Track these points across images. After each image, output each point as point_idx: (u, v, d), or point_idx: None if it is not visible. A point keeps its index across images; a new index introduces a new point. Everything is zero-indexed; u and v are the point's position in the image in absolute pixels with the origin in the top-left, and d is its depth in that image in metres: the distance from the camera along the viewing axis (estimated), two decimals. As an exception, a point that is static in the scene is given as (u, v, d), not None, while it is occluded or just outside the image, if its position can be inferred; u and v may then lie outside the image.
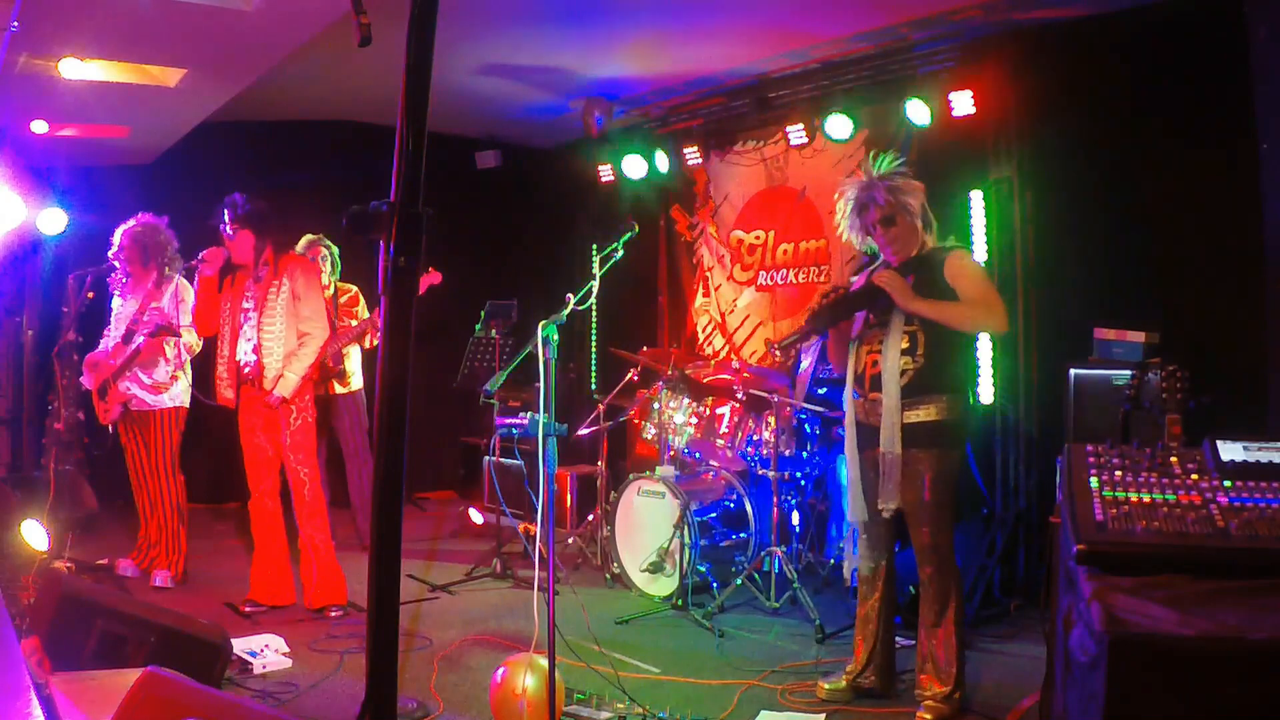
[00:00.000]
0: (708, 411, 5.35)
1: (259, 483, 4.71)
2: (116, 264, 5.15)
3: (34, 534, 4.66)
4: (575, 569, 5.69)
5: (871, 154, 3.70)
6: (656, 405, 5.41)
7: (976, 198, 5.25)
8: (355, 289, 6.21)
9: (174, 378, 5.14)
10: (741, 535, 5.17)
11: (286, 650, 4.01)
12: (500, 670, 3.28)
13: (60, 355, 5.29)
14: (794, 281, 6.56)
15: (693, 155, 6.85)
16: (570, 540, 5.92)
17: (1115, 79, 4.84)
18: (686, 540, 4.81)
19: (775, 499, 4.82)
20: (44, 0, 4.03)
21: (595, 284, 3.40)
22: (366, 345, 6.14)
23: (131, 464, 5.19)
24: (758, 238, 6.83)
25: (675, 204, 7.41)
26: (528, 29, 5.62)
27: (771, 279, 6.72)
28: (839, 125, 5.88)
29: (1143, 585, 1.70)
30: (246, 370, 4.64)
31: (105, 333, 5.27)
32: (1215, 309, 4.47)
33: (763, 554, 4.88)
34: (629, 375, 5.82)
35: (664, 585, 4.99)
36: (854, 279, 3.78)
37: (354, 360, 6.16)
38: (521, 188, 8.21)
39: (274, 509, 4.75)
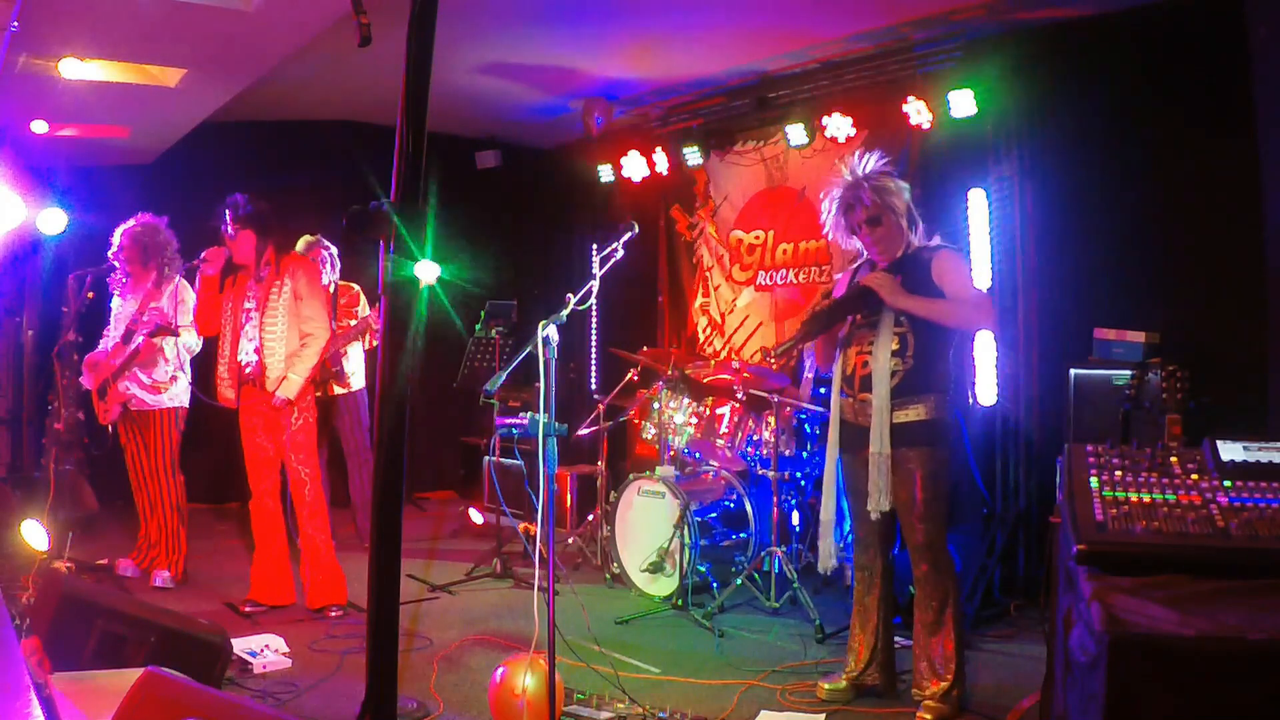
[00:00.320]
0: (708, 411, 5.35)
1: (259, 482, 4.71)
2: (116, 264, 5.15)
3: (34, 534, 4.66)
4: (575, 569, 5.69)
5: (856, 154, 3.70)
6: (656, 405, 5.41)
7: (976, 198, 5.25)
8: (357, 288, 6.20)
9: (174, 378, 5.14)
10: (741, 535, 5.17)
11: (286, 650, 4.01)
12: (500, 670, 3.28)
13: (60, 355, 5.29)
14: (794, 282, 6.56)
15: (693, 155, 6.85)
16: (570, 540, 5.92)
17: (1115, 79, 4.84)
18: (686, 540, 4.81)
19: (775, 499, 4.82)
20: (44, 0, 4.03)
21: (595, 284, 3.40)
22: (366, 345, 6.13)
23: (131, 464, 5.19)
24: (757, 238, 6.83)
25: (675, 204, 7.41)
26: (528, 29, 5.62)
27: (771, 279, 6.72)
28: (839, 125, 5.88)
29: (1143, 585, 1.70)
30: (248, 370, 4.64)
31: (105, 333, 5.27)
32: (1215, 309, 4.47)
33: (763, 554, 4.88)
34: (629, 375, 5.82)
35: (664, 585, 4.99)
36: (838, 276, 3.82)
37: (354, 360, 6.15)
38: (521, 188, 8.21)
39: (274, 509, 4.75)
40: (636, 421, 5.80)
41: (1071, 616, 1.82)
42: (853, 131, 5.90)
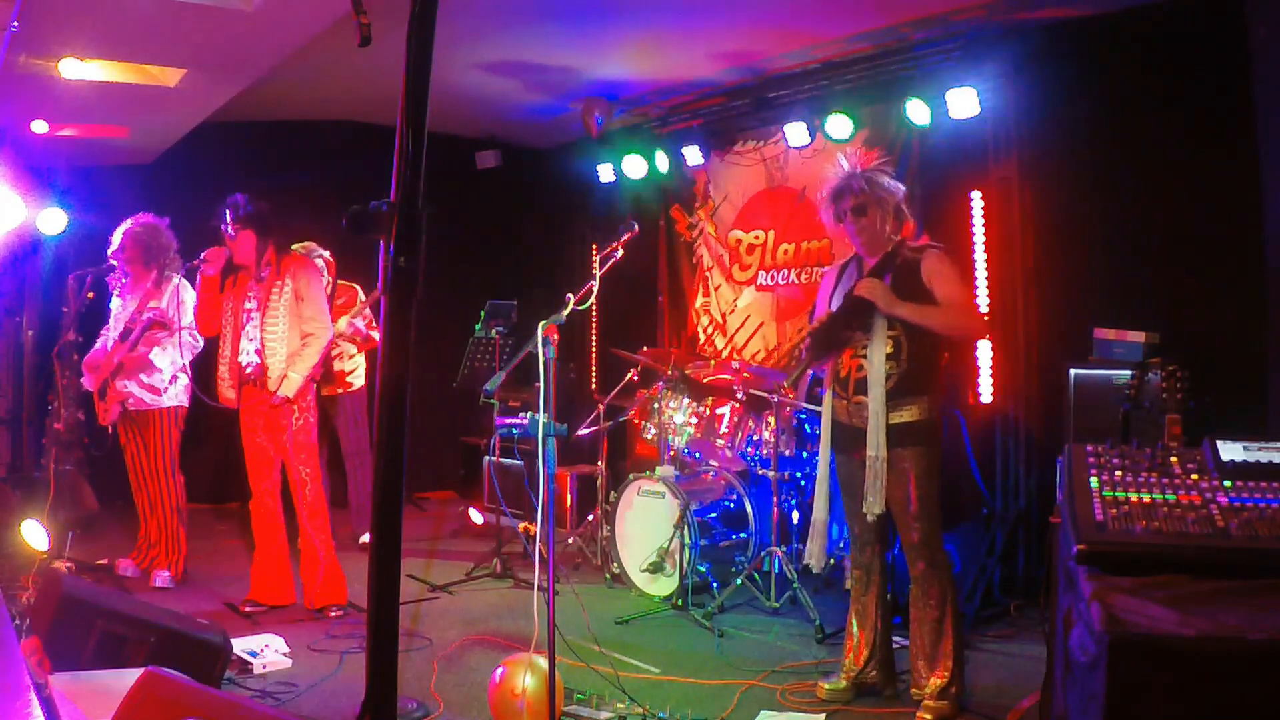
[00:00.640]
0: (708, 411, 5.35)
1: (260, 482, 4.71)
2: (116, 264, 5.14)
3: (34, 534, 4.66)
4: (575, 569, 5.69)
5: (858, 150, 3.72)
6: (656, 405, 5.41)
7: (976, 198, 5.25)
8: (357, 287, 6.18)
9: (173, 377, 5.14)
10: (741, 535, 5.17)
11: (286, 650, 4.01)
12: (500, 670, 3.28)
13: (60, 355, 5.29)
14: (795, 282, 6.56)
15: (693, 155, 6.85)
16: (570, 540, 5.92)
17: (1115, 79, 4.84)
18: (686, 540, 4.81)
19: (775, 499, 4.82)
20: (44, 0, 4.03)
21: (595, 284, 3.40)
22: (356, 339, 6.08)
23: (131, 464, 5.19)
24: (757, 238, 6.82)
25: (675, 204, 7.41)
26: (528, 29, 5.62)
27: (772, 279, 6.72)
28: (839, 125, 5.88)
29: (1143, 585, 1.70)
30: (249, 370, 4.64)
31: (102, 332, 5.27)
32: (1215, 309, 4.47)
33: (763, 554, 4.88)
34: (629, 375, 5.82)
35: (664, 585, 4.99)
36: (825, 270, 3.84)
37: (352, 360, 6.14)
38: (521, 188, 8.21)
39: (274, 509, 4.75)
40: (636, 421, 5.80)
41: (1071, 616, 1.82)
42: (853, 131, 5.90)
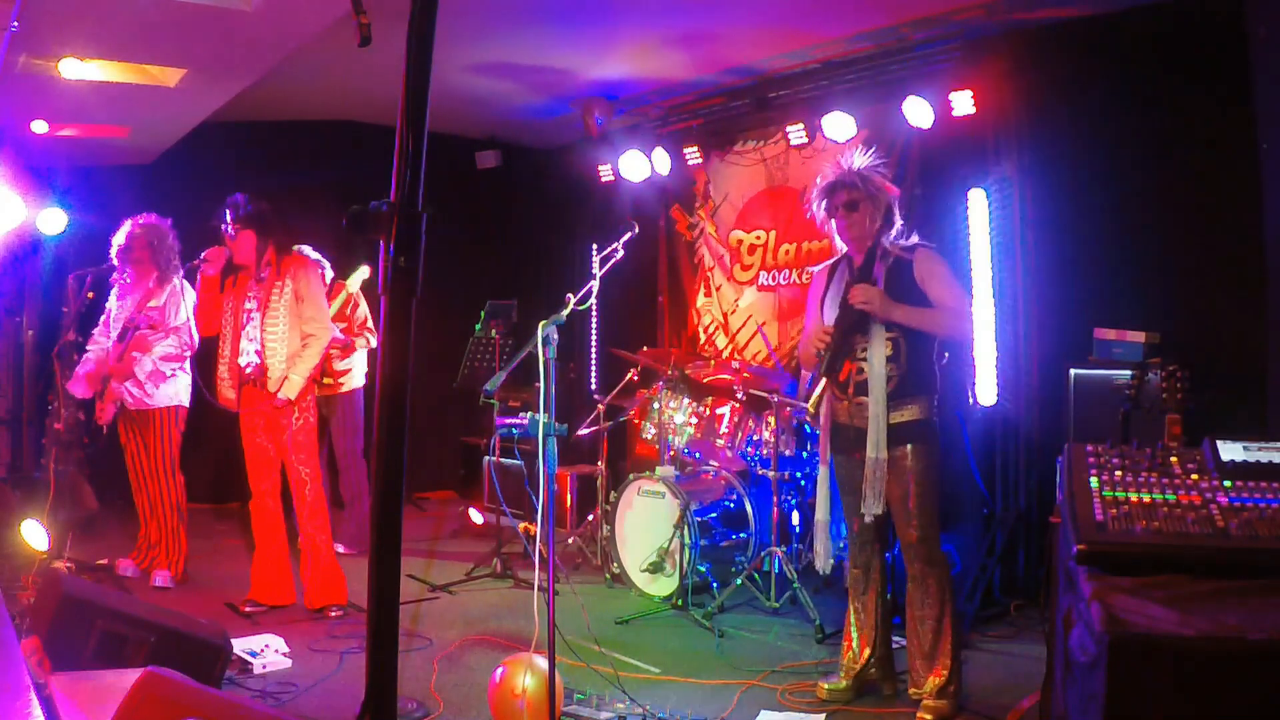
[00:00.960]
0: (708, 411, 5.35)
1: (260, 482, 4.71)
2: (116, 263, 5.14)
3: (34, 534, 4.65)
4: (575, 569, 5.69)
5: (858, 149, 3.72)
6: (656, 405, 5.41)
7: (976, 198, 5.24)
8: (354, 289, 6.16)
9: (172, 375, 5.14)
10: (741, 535, 5.17)
11: (286, 650, 4.01)
12: (500, 670, 3.28)
13: (60, 355, 5.29)
14: (797, 282, 6.56)
15: (693, 155, 6.85)
16: (570, 540, 5.92)
17: (1115, 79, 4.84)
18: (686, 540, 4.81)
19: (775, 499, 4.82)
20: (44, 0, 4.03)
21: (595, 284, 3.40)
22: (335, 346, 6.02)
23: (131, 464, 5.19)
24: (758, 238, 6.82)
25: (675, 204, 7.41)
26: (528, 29, 5.62)
27: (774, 279, 6.72)
28: (839, 125, 5.88)
29: (1143, 585, 1.70)
30: (249, 370, 4.63)
31: (95, 332, 5.26)
32: (1215, 309, 4.47)
33: (763, 554, 4.88)
34: (629, 375, 5.82)
35: (664, 585, 4.99)
36: (814, 270, 3.87)
37: (350, 360, 6.10)
38: (521, 188, 8.21)
39: (274, 509, 4.74)
40: (636, 421, 5.80)
41: (1071, 616, 1.82)
42: (853, 131, 5.89)
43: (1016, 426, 5.19)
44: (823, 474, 3.70)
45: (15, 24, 4.04)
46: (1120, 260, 4.79)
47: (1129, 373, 3.87)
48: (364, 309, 6.17)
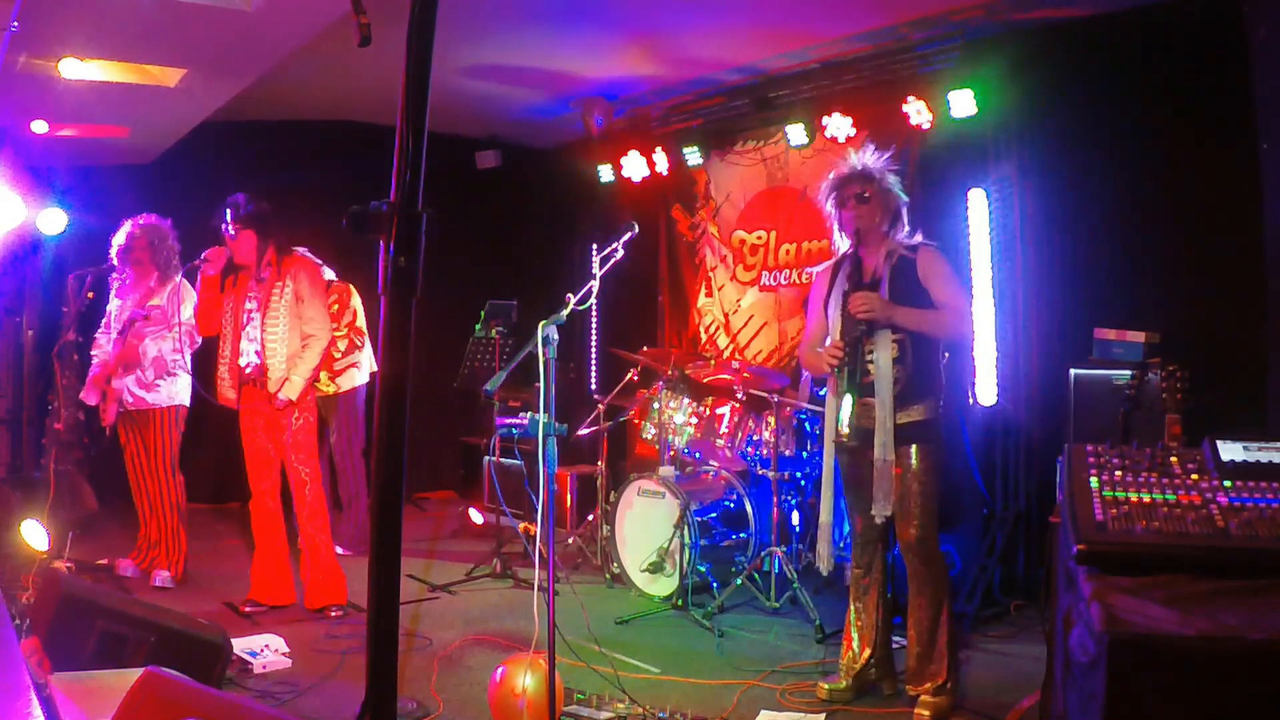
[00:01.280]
0: (708, 411, 5.35)
1: (260, 482, 4.71)
2: (117, 262, 5.14)
3: (34, 534, 4.66)
4: (575, 569, 5.69)
5: (869, 147, 3.71)
6: (656, 405, 5.41)
7: (976, 198, 5.25)
8: (350, 287, 6.12)
9: (172, 374, 5.14)
10: (741, 535, 5.17)
11: (286, 650, 4.01)
12: (500, 670, 3.28)
13: (60, 355, 5.29)
14: (797, 282, 6.56)
15: (693, 155, 6.85)
16: (570, 540, 5.92)
17: (1115, 79, 4.84)
18: (686, 540, 4.81)
19: (775, 499, 4.82)
20: (44, 0, 4.03)
21: (595, 284, 3.40)
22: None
23: (131, 464, 5.19)
24: (760, 238, 6.82)
25: (676, 204, 7.41)
26: (528, 29, 5.62)
27: (775, 279, 6.72)
28: (839, 125, 5.88)
29: (1143, 585, 1.70)
30: (248, 370, 4.63)
31: (97, 334, 5.26)
32: (1215, 309, 4.47)
33: (763, 554, 4.88)
34: (629, 375, 5.82)
35: (664, 585, 4.99)
36: (816, 270, 3.88)
37: (342, 361, 6.08)
38: (521, 188, 8.21)
39: (274, 509, 4.74)
40: (636, 421, 5.80)
41: (1071, 616, 1.82)
42: (853, 131, 5.89)
43: (1016, 426, 5.19)
44: (827, 474, 3.69)
45: (15, 24, 4.04)
46: (1120, 260, 4.79)
47: (1129, 373, 3.88)
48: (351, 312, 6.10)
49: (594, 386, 7.84)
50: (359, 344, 6.07)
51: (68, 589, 3.27)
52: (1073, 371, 4.39)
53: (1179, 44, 4.60)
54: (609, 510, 5.32)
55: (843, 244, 3.68)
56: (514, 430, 5.80)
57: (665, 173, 7.03)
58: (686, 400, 5.35)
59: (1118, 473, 1.99)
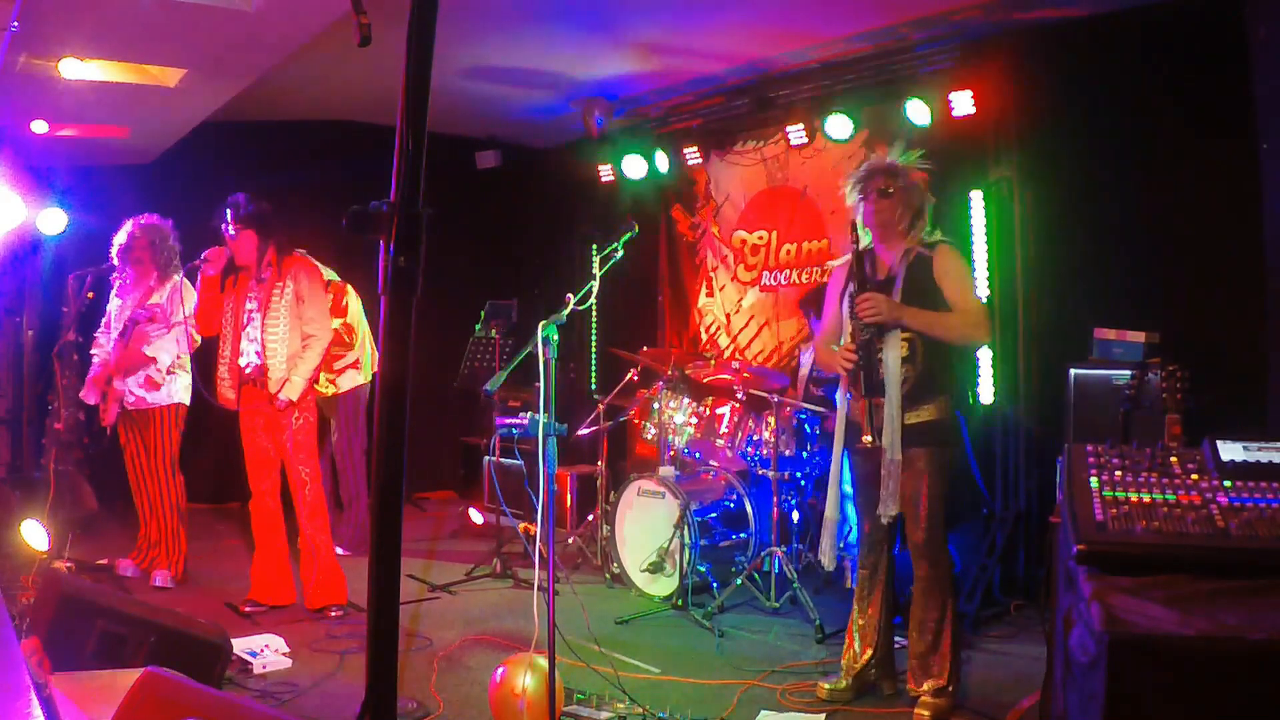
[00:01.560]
0: (708, 411, 5.35)
1: (260, 482, 4.71)
2: (117, 262, 5.14)
3: (34, 534, 4.66)
4: (575, 569, 5.69)
5: (903, 146, 3.68)
6: (656, 405, 5.41)
7: (976, 198, 5.25)
8: (345, 287, 6.10)
9: (172, 373, 5.14)
10: (741, 535, 5.17)
11: (286, 650, 4.01)
12: (500, 670, 3.28)
13: (60, 355, 5.29)
14: (797, 282, 6.56)
15: (693, 155, 6.85)
16: (570, 540, 5.92)
17: (1115, 79, 4.83)
18: (686, 540, 4.81)
19: (775, 499, 4.82)
20: (44, 0, 4.03)
21: (595, 284, 3.40)
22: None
23: (131, 464, 5.19)
24: (760, 238, 6.83)
25: (676, 204, 7.41)
26: (528, 29, 5.62)
27: (775, 279, 6.72)
28: (839, 125, 5.88)
29: (1143, 585, 1.70)
30: (249, 370, 4.63)
31: (97, 334, 5.26)
32: (1215, 309, 4.47)
33: (763, 554, 4.88)
34: (629, 375, 5.82)
35: (664, 585, 4.99)
36: (834, 264, 3.83)
37: (340, 361, 6.07)
38: (521, 188, 8.21)
39: (274, 509, 4.74)
40: (636, 421, 5.80)
41: (1071, 616, 1.82)
42: (853, 131, 5.90)
43: (1016, 426, 5.19)
44: (834, 472, 3.67)
45: (15, 24, 4.04)
46: (1120, 260, 4.79)
47: (1129, 373, 3.88)
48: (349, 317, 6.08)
49: (594, 386, 7.84)
50: (349, 342, 6.04)
51: (68, 589, 3.27)
52: (1073, 371, 4.39)
53: (1179, 44, 4.60)
54: (609, 510, 5.32)
55: (865, 237, 3.63)
56: (514, 430, 5.80)
57: (665, 173, 7.03)
58: (686, 400, 5.35)
59: (1118, 473, 1.99)
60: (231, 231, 4.60)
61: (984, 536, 5.00)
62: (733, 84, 6.57)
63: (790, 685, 3.79)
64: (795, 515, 5.21)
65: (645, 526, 5.11)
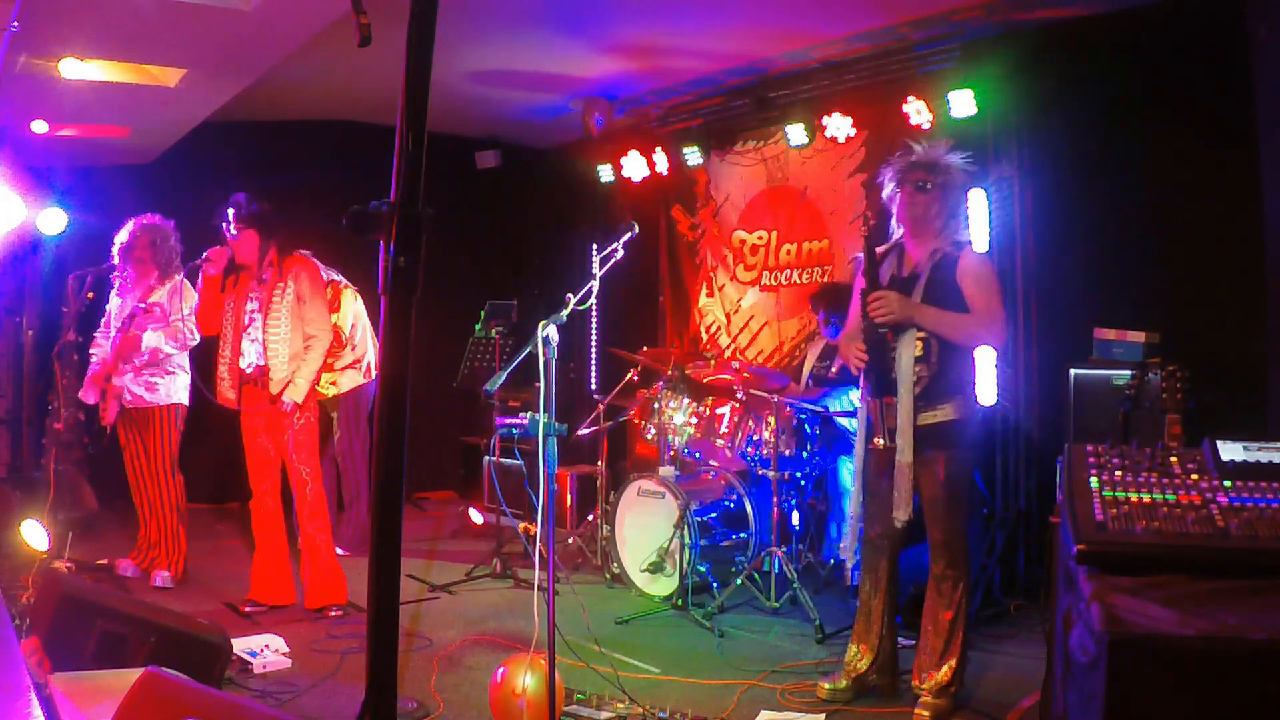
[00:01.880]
0: (708, 411, 5.35)
1: (260, 482, 4.71)
2: (118, 261, 5.14)
3: (34, 534, 4.66)
4: (575, 569, 5.69)
5: (945, 141, 3.62)
6: (656, 405, 5.41)
7: (976, 198, 5.25)
8: (346, 288, 6.10)
9: (172, 373, 5.14)
10: (741, 535, 5.17)
11: (286, 650, 4.01)
12: (500, 670, 3.28)
13: (60, 355, 5.29)
14: (797, 282, 6.56)
15: (693, 155, 6.85)
16: (570, 540, 5.92)
17: (1115, 79, 4.84)
18: (686, 540, 4.81)
19: (775, 499, 4.82)
20: (44, 0, 4.03)
21: (595, 284, 3.40)
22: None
23: (130, 464, 5.19)
24: (760, 238, 6.83)
25: (676, 204, 7.41)
26: (528, 29, 5.62)
27: (775, 279, 6.72)
28: (839, 125, 5.88)
29: (1143, 585, 1.70)
30: (249, 371, 4.63)
31: (96, 334, 5.26)
32: (1215, 309, 4.47)
33: (763, 554, 4.88)
34: (629, 375, 5.82)
35: (664, 585, 4.99)
36: (859, 256, 3.72)
37: (343, 360, 6.06)
38: (521, 188, 8.21)
39: (275, 509, 4.74)
40: (637, 421, 5.80)
41: (1071, 616, 1.82)
42: (853, 131, 5.90)
43: (1016, 426, 5.20)
44: (857, 469, 3.64)
45: (15, 24, 4.04)
46: (1120, 260, 4.79)
47: (1129, 373, 3.87)
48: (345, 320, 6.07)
49: (594, 386, 7.84)
50: (341, 341, 6.02)
51: (68, 589, 3.27)
52: (1073, 371, 4.39)
53: (1179, 44, 4.60)
54: (609, 510, 5.32)
55: (896, 231, 3.59)
56: (514, 430, 5.80)
57: (665, 173, 7.03)
58: (686, 400, 5.35)
59: (1118, 473, 1.99)
60: (233, 231, 4.60)
61: (984, 536, 5.00)
62: (733, 84, 6.57)
63: (790, 685, 3.79)
64: (795, 515, 5.21)
65: (645, 526, 5.11)
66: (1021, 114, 5.15)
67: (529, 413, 3.82)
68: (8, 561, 4.63)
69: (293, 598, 4.77)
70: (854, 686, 3.64)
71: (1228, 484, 1.91)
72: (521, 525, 5.76)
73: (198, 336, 5.06)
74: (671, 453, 5.36)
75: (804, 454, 5.05)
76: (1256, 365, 4.01)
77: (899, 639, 3.76)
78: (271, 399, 4.60)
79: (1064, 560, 1.99)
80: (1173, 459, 2.03)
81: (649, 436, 5.56)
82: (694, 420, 5.33)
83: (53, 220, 5.66)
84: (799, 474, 5.15)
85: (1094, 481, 1.96)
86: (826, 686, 3.65)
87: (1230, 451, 2.00)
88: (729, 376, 5.38)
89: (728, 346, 6.96)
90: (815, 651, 4.23)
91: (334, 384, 5.98)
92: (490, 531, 6.06)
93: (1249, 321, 4.10)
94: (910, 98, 5.41)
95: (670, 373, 5.35)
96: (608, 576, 5.36)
